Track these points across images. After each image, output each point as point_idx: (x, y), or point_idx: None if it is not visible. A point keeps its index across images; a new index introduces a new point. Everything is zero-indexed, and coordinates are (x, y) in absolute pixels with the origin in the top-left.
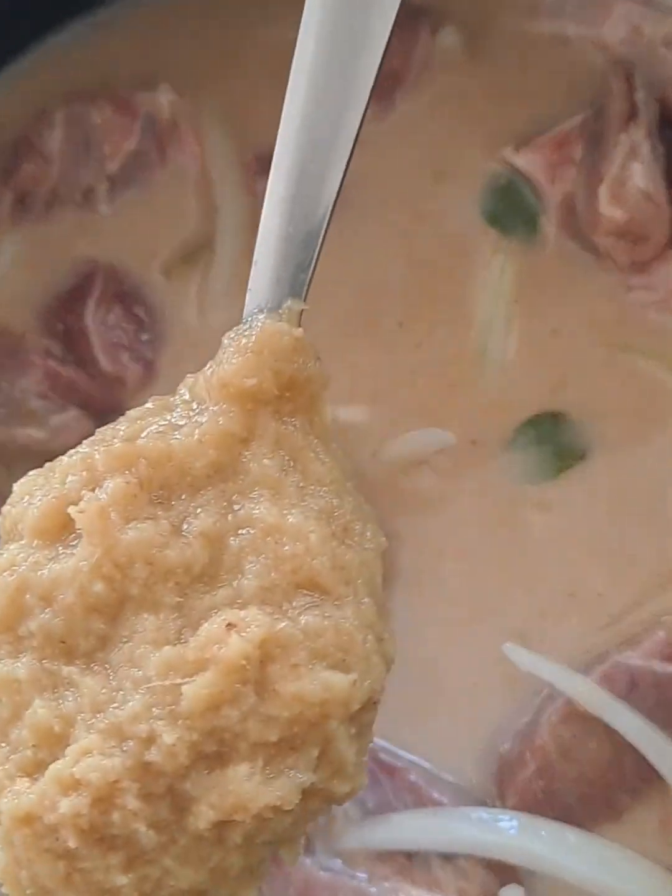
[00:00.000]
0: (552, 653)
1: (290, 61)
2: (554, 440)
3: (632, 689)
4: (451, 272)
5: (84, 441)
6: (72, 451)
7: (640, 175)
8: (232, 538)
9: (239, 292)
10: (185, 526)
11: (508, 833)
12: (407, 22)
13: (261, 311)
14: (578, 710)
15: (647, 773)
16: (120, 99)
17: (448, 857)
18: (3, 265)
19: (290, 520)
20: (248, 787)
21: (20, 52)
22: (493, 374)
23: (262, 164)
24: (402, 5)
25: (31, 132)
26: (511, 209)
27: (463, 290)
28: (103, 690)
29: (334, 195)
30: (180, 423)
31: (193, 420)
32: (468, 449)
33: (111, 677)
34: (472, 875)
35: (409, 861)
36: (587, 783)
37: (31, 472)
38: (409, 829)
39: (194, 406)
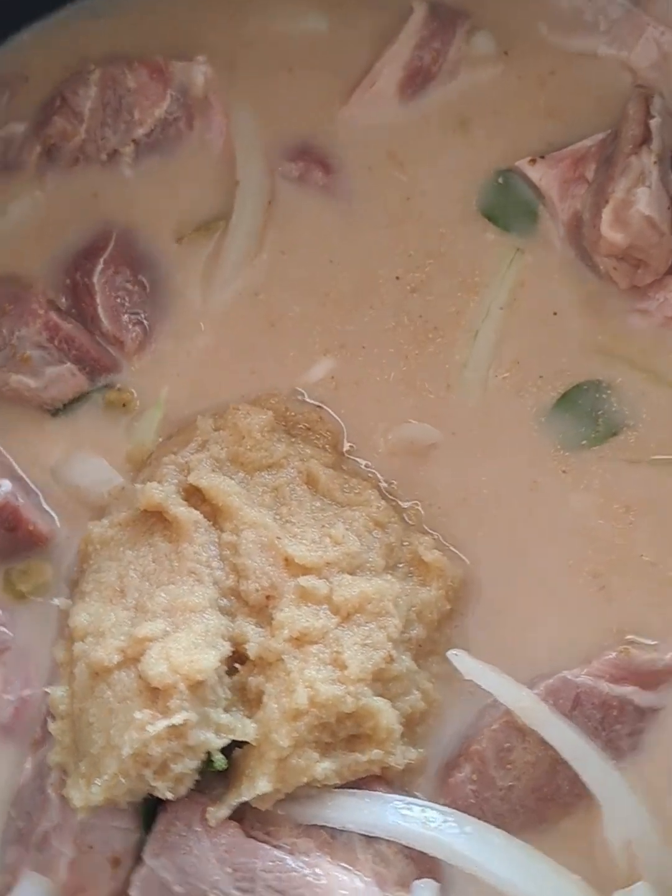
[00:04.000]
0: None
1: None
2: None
3: (575, 706)
4: (451, 269)
5: None
6: None
7: (646, 201)
8: None
9: (247, 271)
10: None
11: (430, 825)
12: (446, 21)
13: None
14: (518, 722)
15: (580, 790)
16: (155, 64)
17: (370, 840)
18: (21, 214)
19: None
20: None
21: (63, 6)
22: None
23: (289, 152)
24: (442, 4)
25: (66, 88)
26: (510, 205)
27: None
28: None
29: None
30: None
31: None
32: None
33: None
34: (393, 861)
35: (332, 838)
36: (520, 793)
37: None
38: (335, 807)
39: None
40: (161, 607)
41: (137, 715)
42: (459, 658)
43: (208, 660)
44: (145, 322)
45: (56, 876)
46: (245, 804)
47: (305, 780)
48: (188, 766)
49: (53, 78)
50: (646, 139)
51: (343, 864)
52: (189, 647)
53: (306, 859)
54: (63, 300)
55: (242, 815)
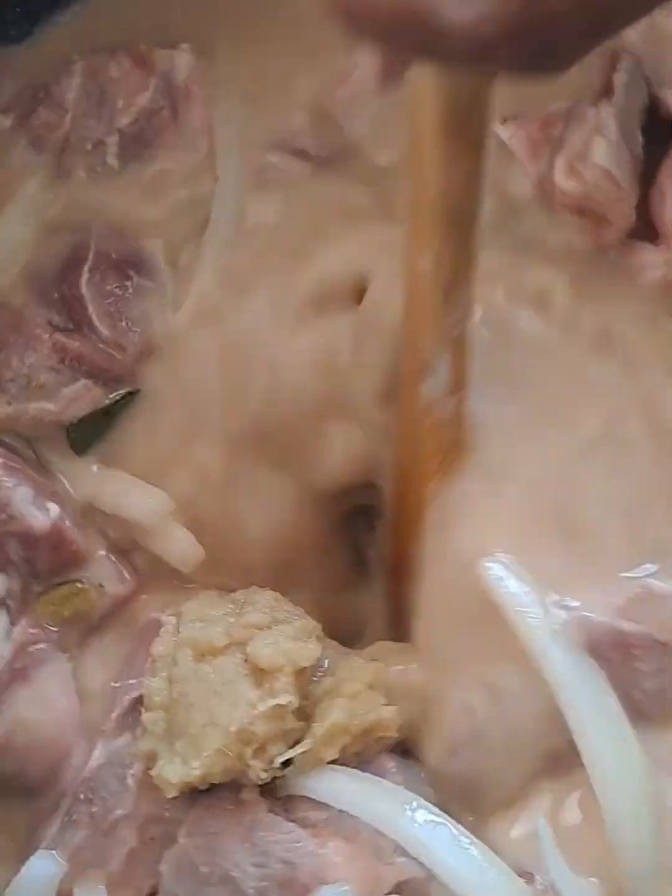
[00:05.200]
0: None
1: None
2: None
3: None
4: None
5: None
6: None
7: (603, 152)
8: None
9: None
10: None
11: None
12: None
13: None
14: None
15: None
16: (139, 53)
17: None
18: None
19: None
20: None
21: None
22: None
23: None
24: None
25: (51, 80)
26: None
27: None
28: None
29: None
30: None
31: None
32: None
33: None
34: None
35: (339, 814)
36: None
37: None
38: (344, 791)
39: None
40: (266, 605)
41: (249, 693)
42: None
43: (314, 649)
44: (143, 322)
45: (112, 863)
46: (267, 784)
47: (372, 718)
48: (281, 751)
49: (39, 72)
50: (607, 91)
51: (345, 837)
52: (293, 637)
53: (313, 830)
54: (56, 318)
55: (265, 795)
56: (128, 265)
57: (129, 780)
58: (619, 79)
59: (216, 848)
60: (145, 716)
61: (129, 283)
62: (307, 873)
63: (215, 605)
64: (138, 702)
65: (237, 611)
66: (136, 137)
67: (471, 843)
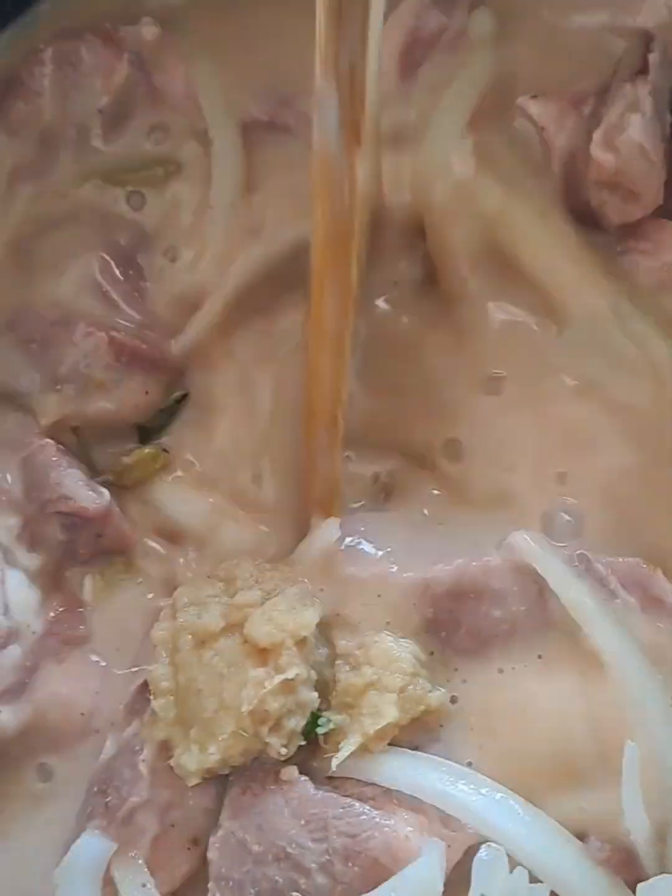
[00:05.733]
0: None
1: None
2: None
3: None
4: None
5: None
6: None
7: (638, 127)
8: None
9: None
10: None
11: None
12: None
13: None
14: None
15: None
16: (106, 33)
17: None
18: None
19: None
20: None
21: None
22: None
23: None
24: None
25: (21, 71)
26: None
27: None
28: None
29: None
30: None
31: None
32: None
33: None
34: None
35: (388, 791)
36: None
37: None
38: (389, 768)
39: None
40: (252, 578)
41: (253, 672)
42: (523, 538)
43: (310, 615)
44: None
45: (140, 851)
46: (308, 767)
47: (422, 708)
48: (298, 723)
49: (7, 65)
50: (642, 70)
51: (410, 808)
52: (287, 609)
53: (373, 803)
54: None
55: (307, 776)
56: (137, 249)
57: (141, 767)
58: (654, 59)
59: (265, 826)
60: (155, 703)
61: (135, 269)
62: (377, 845)
63: (204, 586)
64: (144, 688)
65: (226, 589)
66: (117, 115)
67: (524, 811)
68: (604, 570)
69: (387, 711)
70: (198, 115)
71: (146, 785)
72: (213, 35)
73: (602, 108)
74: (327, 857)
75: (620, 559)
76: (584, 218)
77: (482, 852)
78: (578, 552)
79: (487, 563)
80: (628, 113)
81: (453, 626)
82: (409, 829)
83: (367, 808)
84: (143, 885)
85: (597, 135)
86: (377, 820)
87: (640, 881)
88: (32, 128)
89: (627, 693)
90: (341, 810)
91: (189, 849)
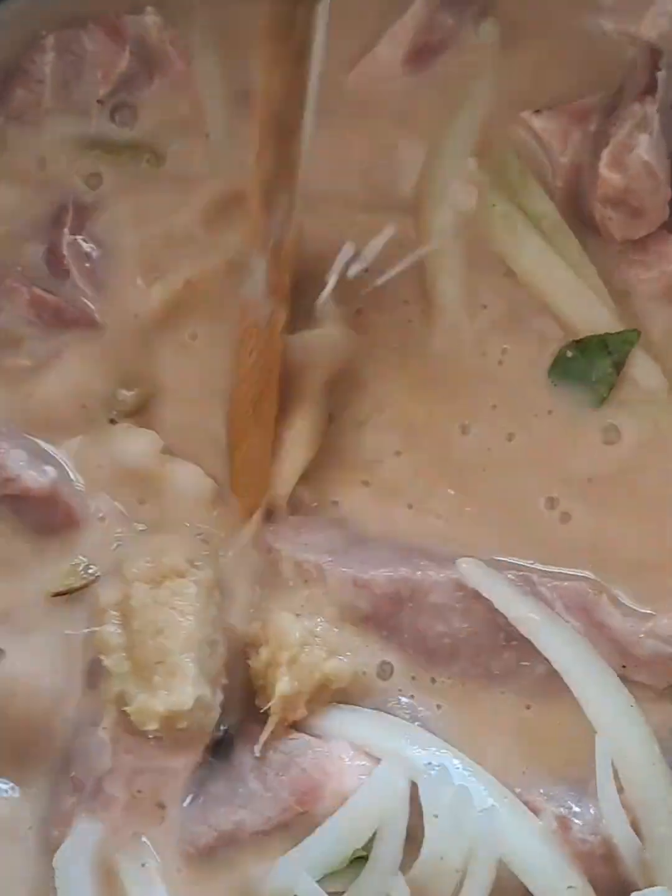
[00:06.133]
0: None
1: None
2: None
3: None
4: None
5: None
6: None
7: (646, 146)
8: None
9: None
10: None
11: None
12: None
13: None
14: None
15: None
16: (109, 22)
17: None
18: None
19: None
20: None
21: None
22: None
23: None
24: None
25: (23, 58)
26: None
27: None
28: None
29: None
30: None
31: None
32: None
33: None
34: None
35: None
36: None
37: None
38: (354, 726)
39: None
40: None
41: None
42: (468, 566)
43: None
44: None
45: (112, 820)
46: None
47: (318, 676)
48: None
49: (8, 52)
50: (651, 88)
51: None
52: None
53: (318, 738)
54: (40, 272)
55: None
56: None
57: (102, 734)
58: (661, 76)
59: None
60: (106, 661)
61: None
62: (309, 761)
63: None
64: (96, 661)
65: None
66: (118, 104)
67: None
68: (549, 593)
69: (279, 687)
70: (198, 105)
71: (108, 753)
72: (216, 26)
73: (610, 127)
74: (263, 768)
75: (566, 583)
76: (586, 229)
77: (427, 774)
78: (522, 575)
79: (429, 576)
80: (637, 132)
81: (394, 628)
82: (347, 754)
83: (309, 739)
84: (143, 865)
85: (605, 154)
86: (315, 745)
87: (619, 879)
88: (33, 113)
89: (587, 697)
90: (289, 741)
91: (158, 813)
